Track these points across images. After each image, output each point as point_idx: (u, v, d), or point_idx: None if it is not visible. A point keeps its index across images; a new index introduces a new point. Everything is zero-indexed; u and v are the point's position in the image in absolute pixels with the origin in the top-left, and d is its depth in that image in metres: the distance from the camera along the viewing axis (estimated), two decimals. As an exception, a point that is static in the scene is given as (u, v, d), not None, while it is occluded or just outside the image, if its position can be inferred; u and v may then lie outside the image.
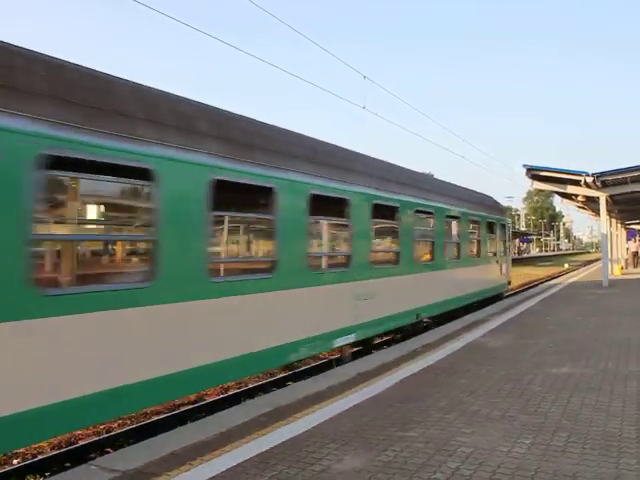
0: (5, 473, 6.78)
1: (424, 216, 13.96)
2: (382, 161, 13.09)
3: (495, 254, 20.86)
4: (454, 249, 16.42)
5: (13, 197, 5.03)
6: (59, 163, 5.43)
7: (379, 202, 11.40)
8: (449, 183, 18.11)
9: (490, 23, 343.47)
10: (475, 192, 20.53)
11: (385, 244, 13.86)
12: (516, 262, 78.32)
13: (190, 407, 9.23)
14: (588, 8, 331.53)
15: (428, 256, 14.56)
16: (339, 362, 10.39)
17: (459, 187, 18.71)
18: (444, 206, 15.07)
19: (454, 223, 16.33)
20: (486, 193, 22.16)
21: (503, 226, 22.15)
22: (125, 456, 5.27)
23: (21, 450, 7.41)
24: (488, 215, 19.78)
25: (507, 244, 23.14)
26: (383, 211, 11.77)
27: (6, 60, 5.29)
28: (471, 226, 17.89)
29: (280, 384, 10.47)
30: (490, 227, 20.05)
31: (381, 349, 12.56)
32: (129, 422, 8.77)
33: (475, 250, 18.52)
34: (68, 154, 5.48)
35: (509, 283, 24.09)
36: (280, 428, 5.81)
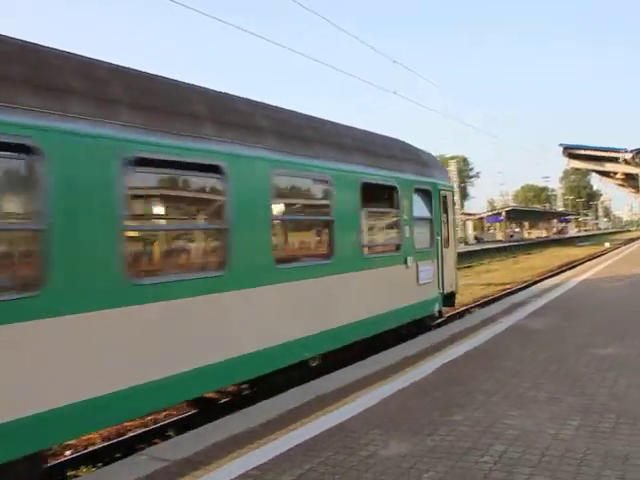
0: (60, 464, 7.00)
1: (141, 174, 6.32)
2: None
3: (398, 248, 10.96)
4: (244, 247, 7.18)
5: None
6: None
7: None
8: (254, 101, 8.38)
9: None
10: (347, 127, 10.62)
11: None
12: (555, 243, 77.90)
13: (230, 399, 9.34)
14: None
15: (138, 264, 6.78)
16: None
17: (291, 112, 9.14)
18: (213, 147, 6.79)
19: (247, 188, 7.26)
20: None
21: (426, 193, 12.08)
22: (174, 446, 5.38)
23: (72, 442, 7.63)
24: (378, 173, 10.30)
25: (438, 228, 12.53)
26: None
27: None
28: (315, 194, 9.63)
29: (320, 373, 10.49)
30: (386, 196, 10.95)
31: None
32: (175, 413, 8.95)
33: (322, 244, 9.59)
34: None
35: (453, 295, 13.59)
36: (325, 415, 5.86)
